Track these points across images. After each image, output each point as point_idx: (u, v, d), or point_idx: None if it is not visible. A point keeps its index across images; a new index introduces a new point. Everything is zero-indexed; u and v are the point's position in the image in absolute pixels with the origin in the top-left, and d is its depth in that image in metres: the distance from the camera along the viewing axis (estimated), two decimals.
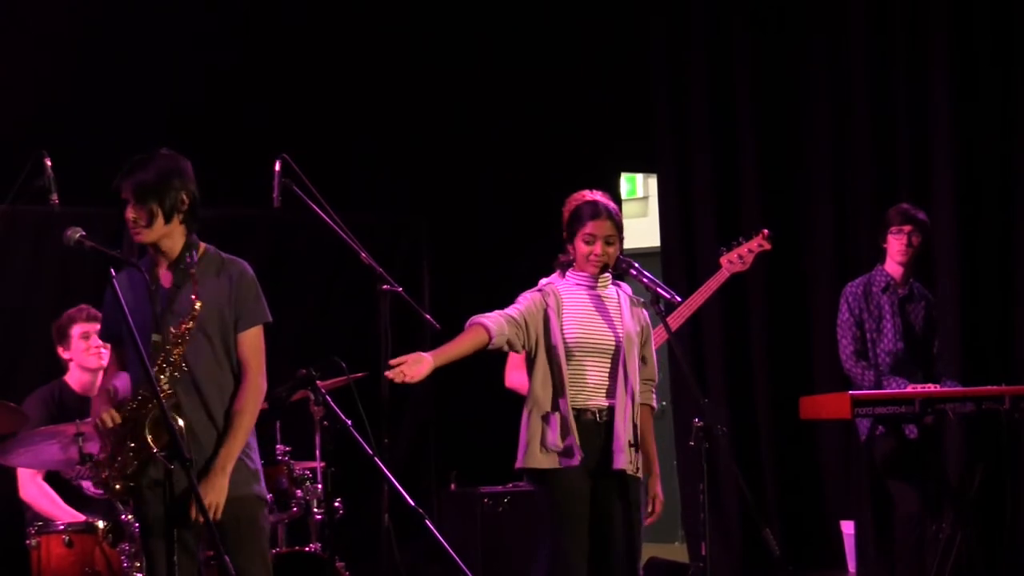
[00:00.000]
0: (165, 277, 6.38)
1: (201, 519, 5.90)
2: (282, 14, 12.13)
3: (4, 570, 10.28)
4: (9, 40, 11.04)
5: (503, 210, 11.95)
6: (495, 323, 7.00)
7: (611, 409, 7.12)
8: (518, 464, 7.15)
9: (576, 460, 7.02)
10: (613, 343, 7.13)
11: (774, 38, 13.17)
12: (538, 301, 7.13)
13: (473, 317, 7.07)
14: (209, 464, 6.18)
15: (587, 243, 7.16)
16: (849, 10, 12.78)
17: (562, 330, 7.07)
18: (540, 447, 7.06)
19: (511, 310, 7.11)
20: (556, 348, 7.05)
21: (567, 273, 7.27)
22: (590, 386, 7.12)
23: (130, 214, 6.29)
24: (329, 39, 12.22)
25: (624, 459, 7.09)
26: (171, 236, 6.38)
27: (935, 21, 12.21)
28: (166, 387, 6.12)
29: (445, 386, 12.28)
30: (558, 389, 7.06)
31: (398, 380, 6.90)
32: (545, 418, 7.08)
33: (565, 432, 7.03)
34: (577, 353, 7.09)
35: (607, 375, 7.14)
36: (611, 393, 7.13)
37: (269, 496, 8.21)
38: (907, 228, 9.42)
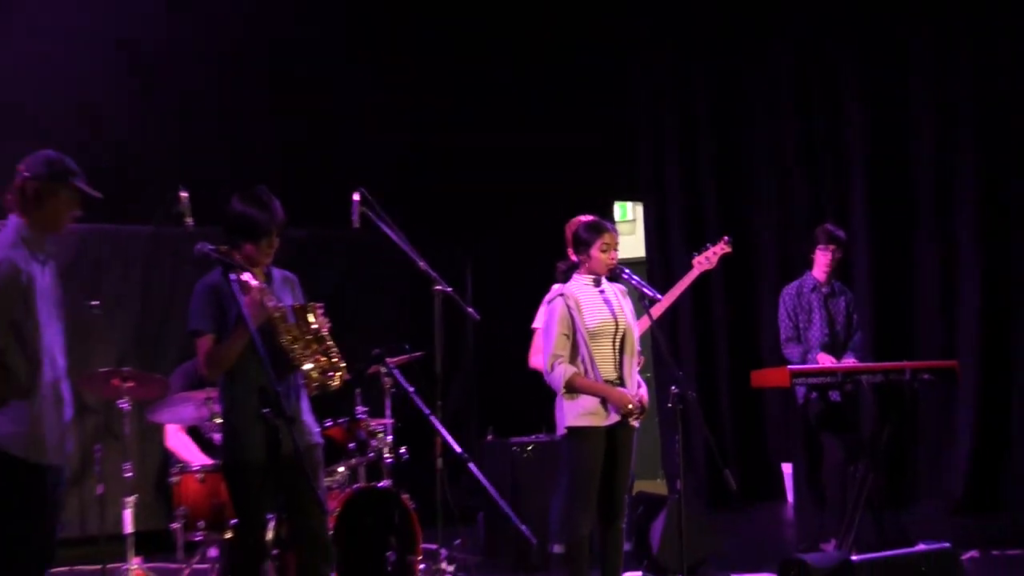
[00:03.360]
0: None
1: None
2: (357, 73, 12.19)
3: (156, 499, 10.36)
4: (152, 97, 11.11)
5: (524, 231, 11.96)
6: (571, 367, 6.97)
7: (621, 378, 7.07)
8: (566, 423, 6.98)
9: (606, 420, 6.99)
10: (620, 327, 7.09)
11: (727, 102, 13.22)
12: (563, 310, 7.02)
13: (566, 371, 6.94)
14: None
15: (604, 251, 7.10)
16: (781, 80, 12.83)
17: (584, 321, 7.01)
18: (580, 411, 6.97)
19: (559, 343, 6.98)
20: (580, 336, 7.00)
21: (573, 276, 7.20)
22: (606, 361, 7.04)
23: (275, 246, 6.17)
24: (391, 110, 12.30)
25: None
26: None
27: (848, 71, 12.27)
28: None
29: (484, 362, 12.36)
30: (588, 366, 7.01)
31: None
32: None
33: (596, 400, 6.98)
34: (595, 336, 7.03)
35: (618, 351, 7.07)
36: (620, 365, 7.07)
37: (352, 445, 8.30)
38: (831, 247, 9.43)
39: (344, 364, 6.09)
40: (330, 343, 6.04)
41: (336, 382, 6.05)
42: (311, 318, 6.02)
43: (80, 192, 5.67)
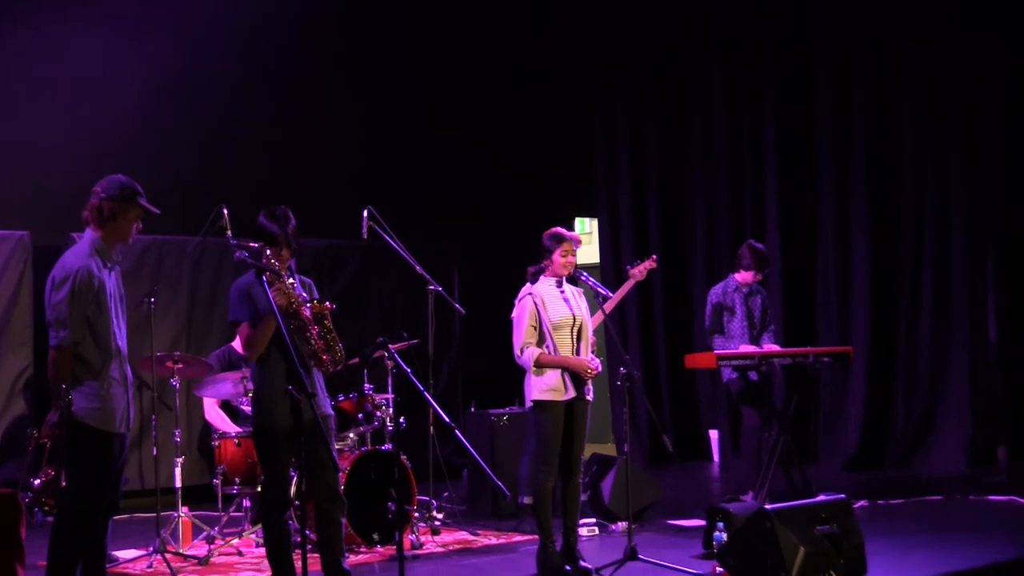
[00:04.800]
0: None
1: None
2: (364, 107, 12.18)
3: (200, 460, 10.33)
4: (199, 128, 11.09)
5: (502, 239, 11.97)
6: (537, 349, 6.92)
7: None
8: (532, 397, 6.95)
9: (565, 396, 6.95)
10: (577, 320, 7.05)
11: (669, 139, 13.26)
12: (532, 307, 6.97)
13: (534, 352, 6.88)
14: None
15: (563, 256, 7.05)
16: (714, 120, 12.84)
17: (548, 316, 6.98)
18: (544, 387, 6.92)
19: (528, 332, 6.92)
20: (546, 327, 6.96)
21: (539, 278, 7.14)
22: (565, 347, 6.99)
23: (285, 255, 6.09)
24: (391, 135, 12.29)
25: (591, 391, 7.07)
26: None
27: (767, 117, 12.30)
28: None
29: (468, 348, 12.35)
30: (551, 351, 6.92)
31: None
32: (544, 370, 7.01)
33: (558, 377, 6.98)
34: (557, 328, 7.00)
35: (575, 339, 7.03)
36: (577, 351, 7.02)
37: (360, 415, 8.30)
38: (763, 271, 9.42)
39: (344, 355, 6.13)
40: (335, 336, 6.09)
41: (340, 368, 6.14)
42: (326, 317, 6.09)
43: (144, 210, 5.69)
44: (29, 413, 9.88)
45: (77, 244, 5.70)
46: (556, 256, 7.08)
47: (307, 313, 6.02)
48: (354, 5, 12.15)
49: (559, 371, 6.95)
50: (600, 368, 7.07)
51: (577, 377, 6.99)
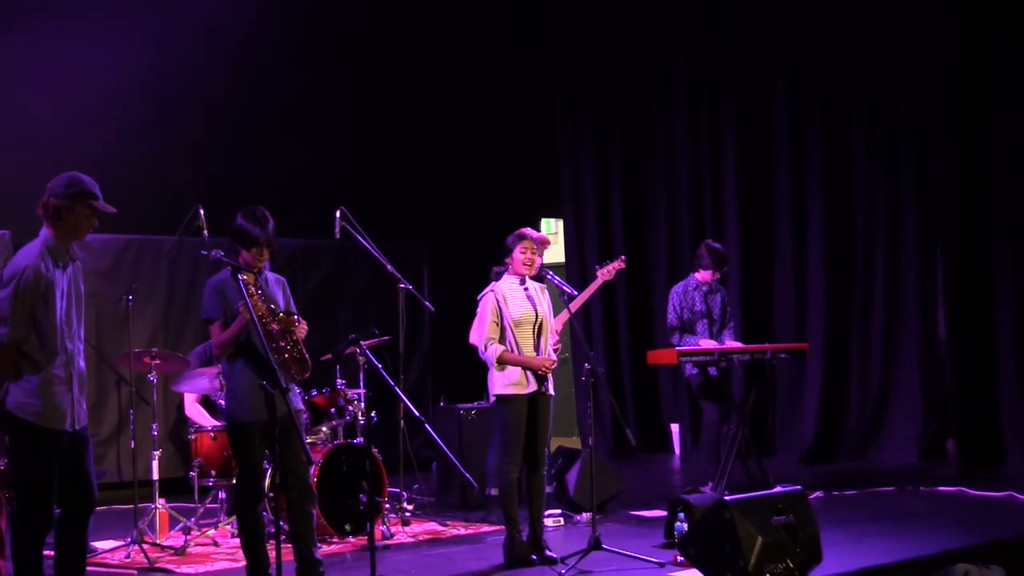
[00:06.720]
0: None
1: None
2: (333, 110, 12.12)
3: (177, 453, 10.26)
4: (178, 133, 11.00)
5: (472, 241, 11.92)
6: (500, 346, 6.94)
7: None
8: (495, 392, 6.97)
9: (527, 389, 6.96)
10: (538, 317, 7.06)
11: (632, 142, 13.25)
12: (494, 303, 7.00)
13: (497, 349, 6.91)
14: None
15: (524, 252, 7.05)
16: (676, 125, 12.86)
17: (510, 312, 6.99)
18: (506, 382, 6.94)
19: (491, 328, 6.95)
20: (507, 324, 6.96)
21: (503, 276, 7.15)
22: (527, 343, 7.00)
23: (266, 256, 6.11)
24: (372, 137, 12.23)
25: (552, 386, 7.07)
26: None
27: (726, 120, 12.33)
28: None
29: (438, 345, 12.31)
30: (513, 347, 6.97)
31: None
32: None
33: (519, 372, 6.97)
34: (519, 325, 7.01)
35: (536, 336, 7.05)
36: (537, 348, 7.05)
37: (333, 410, 8.25)
38: (721, 270, 9.41)
39: (310, 365, 6.11)
40: (301, 349, 6.07)
41: (307, 375, 6.11)
42: (294, 328, 6.04)
43: (94, 208, 5.50)
44: None
45: (31, 242, 5.52)
46: (516, 254, 7.09)
47: (275, 328, 5.99)
48: (327, 9, 12.10)
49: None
50: (554, 360, 7.07)
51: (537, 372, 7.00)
